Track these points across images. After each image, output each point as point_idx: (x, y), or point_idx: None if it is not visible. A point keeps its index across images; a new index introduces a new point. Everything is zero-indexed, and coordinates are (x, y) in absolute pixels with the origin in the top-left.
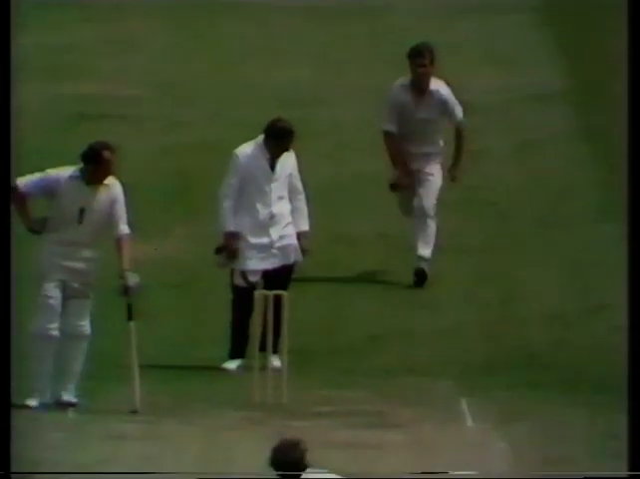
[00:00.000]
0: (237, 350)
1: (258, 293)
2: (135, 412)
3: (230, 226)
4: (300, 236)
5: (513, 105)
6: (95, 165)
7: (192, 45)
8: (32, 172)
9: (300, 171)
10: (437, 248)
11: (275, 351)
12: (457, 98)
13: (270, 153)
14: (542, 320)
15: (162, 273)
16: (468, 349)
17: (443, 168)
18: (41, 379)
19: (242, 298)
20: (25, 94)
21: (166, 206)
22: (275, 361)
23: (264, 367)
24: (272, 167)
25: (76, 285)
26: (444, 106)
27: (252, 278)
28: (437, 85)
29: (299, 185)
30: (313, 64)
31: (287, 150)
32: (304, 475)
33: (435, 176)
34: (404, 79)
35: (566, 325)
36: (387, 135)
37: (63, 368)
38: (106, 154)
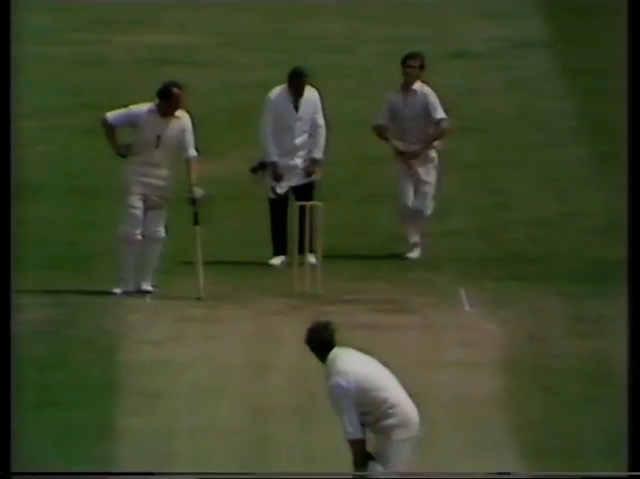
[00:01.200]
0: (279, 249)
1: (295, 204)
2: (199, 299)
3: (274, 156)
4: (312, 161)
5: (504, 51)
6: (166, 100)
7: (247, 2)
8: (118, 108)
9: (324, 107)
10: (443, 168)
11: (311, 250)
12: (458, 46)
13: (292, 94)
14: (527, 224)
15: (221, 188)
16: (465, 249)
17: (436, 169)
18: (126, 272)
19: (275, 208)
20: (113, 44)
21: (225, 133)
22: (311, 258)
23: (302, 263)
24: (296, 107)
25: (153, 198)
26: (426, 103)
27: (280, 191)
28: (422, 86)
29: (320, 121)
30: (343, 18)
31: (302, 89)
32: (332, 353)
33: (430, 183)
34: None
35: (547, 228)
36: (376, 127)
37: (143, 264)
38: (175, 90)
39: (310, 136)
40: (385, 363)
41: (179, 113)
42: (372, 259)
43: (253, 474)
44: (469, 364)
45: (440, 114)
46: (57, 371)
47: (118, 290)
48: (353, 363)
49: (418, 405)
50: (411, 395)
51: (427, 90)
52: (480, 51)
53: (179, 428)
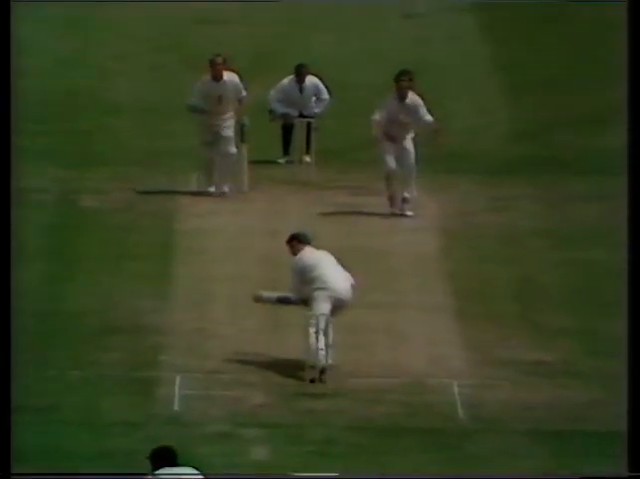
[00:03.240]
0: (285, 151)
1: (297, 121)
2: (224, 193)
3: (281, 110)
4: (315, 113)
5: (440, 12)
6: (213, 67)
7: None
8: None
9: (326, 86)
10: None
11: (307, 152)
12: (407, 9)
13: (297, 82)
14: (458, 133)
15: (248, 109)
16: (415, 151)
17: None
18: (212, 178)
19: (285, 125)
20: (167, 6)
21: (251, 70)
22: (307, 158)
23: (301, 161)
24: (301, 90)
25: (222, 134)
26: (416, 111)
27: (289, 119)
28: (413, 97)
29: (324, 96)
30: None
31: (303, 78)
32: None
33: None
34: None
35: (472, 135)
36: (373, 121)
37: (223, 173)
38: (215, 59)
39: (315, 103)
40: (358, 231)
41: (228, 75)
42: (351, 158)
43: (253, 474)
44: (417, 229)
45: (428, 117)
46: (129, 234)
47: (212, 189)
48: (308, 257)
49: (381, 258)
50: (377, 251)
51: (417, 101)
52: (422, 12)
53: (216, 275)
